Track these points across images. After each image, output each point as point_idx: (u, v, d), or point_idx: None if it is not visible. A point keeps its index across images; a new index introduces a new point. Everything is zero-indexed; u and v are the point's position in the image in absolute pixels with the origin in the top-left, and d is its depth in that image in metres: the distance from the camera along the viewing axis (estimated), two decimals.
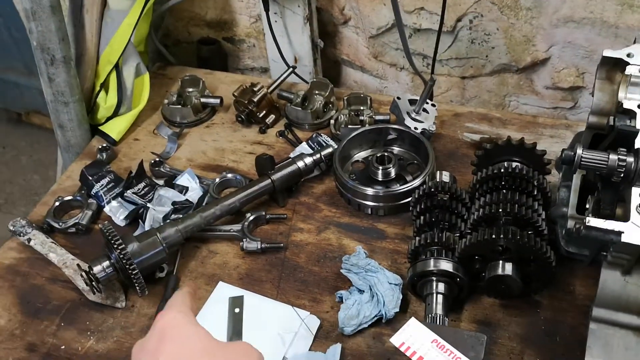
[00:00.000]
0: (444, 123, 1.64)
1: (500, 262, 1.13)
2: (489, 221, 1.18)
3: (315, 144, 1.54)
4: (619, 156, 0.95)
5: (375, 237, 1.36)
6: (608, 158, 0.96)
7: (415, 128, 1.52)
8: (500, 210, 1.15)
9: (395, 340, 0.96)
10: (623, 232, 0.92)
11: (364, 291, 1.19)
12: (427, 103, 1.58)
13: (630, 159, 0.95)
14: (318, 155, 1.45)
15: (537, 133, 1.59)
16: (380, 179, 1.45)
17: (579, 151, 0.97)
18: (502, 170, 1.22)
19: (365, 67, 2.07)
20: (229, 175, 1.50)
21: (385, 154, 1.46)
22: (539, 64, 1.84)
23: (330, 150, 1.47)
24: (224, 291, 1.28)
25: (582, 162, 0.98)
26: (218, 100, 1.72)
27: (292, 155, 1.51)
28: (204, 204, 1.43)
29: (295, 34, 1.82)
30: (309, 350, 1.15)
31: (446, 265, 1.16)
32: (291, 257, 1.34)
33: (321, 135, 1.56)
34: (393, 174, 1.44)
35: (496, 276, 1.11)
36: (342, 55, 2.07)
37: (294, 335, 1.17)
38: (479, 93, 2.01)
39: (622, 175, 0.95)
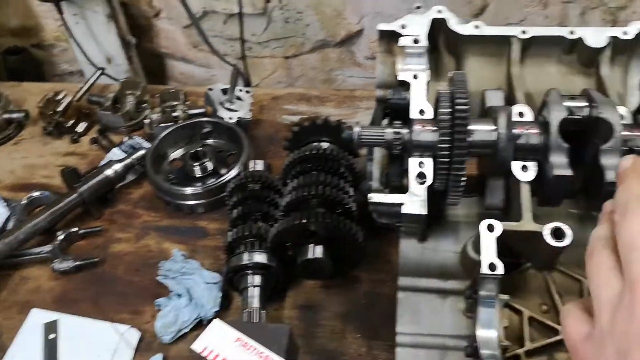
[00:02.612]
0: (263, 108, 1.62)
1: (310, 245, 1.12)
2: (299, 205, 1.17)
3: (127, 147, 1.47)
4: (394, 129, 0.97)
5: (197, 236, 1.32)
6: (384, 133, 0.97)
7: (230, 118, 1.48)
8: (308, 193, 1.15)
9: (197, 346, 0.93)
10: (403, 204, 0.94)
11: (181, 295, 1.15)
12: (241, 90, 1.55)
13: (405, 131, 0.97)
14: (129, 160, 1.39)
15: (354, 107, 1.62)
16: (199, 175, 1.40)
17: (356, 129, 0.98)
18: (308, 152, 1.22)
19: (187, 58, 2.01)
20: (36, 193, 1.40)
21: (199, 149, 1.42)
22: (354, 36, 1.87)
23: (142, 152, 1.40)
24: (38, 318, 1.19)
25: (361, 140, 0.99)
26: (23, 114, 1.59)
27: (102, 162, 1.43)
28: (9, 227, 1.32)
29: (101, 34, 1.72)
30: None
31: (259, 257, 1.14)
32: (110, 270, 1.27)
33: (133, 138, 1.49)
34: (210, 169, 1.40)
35: (307, 260, 1.11)
36: (162, 49, 2.00)
37: (113, 353, 1.12)
38: (304, 71, 2.01)
39: (400, 147, 0.97)
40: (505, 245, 0.97)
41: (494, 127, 0.92)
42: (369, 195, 0.95)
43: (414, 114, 0.99)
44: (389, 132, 0.97)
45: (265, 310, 1.12)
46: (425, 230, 1.06)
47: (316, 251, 1.12)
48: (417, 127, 0.95)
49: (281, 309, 1.19)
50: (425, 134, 0.94)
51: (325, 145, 1.26)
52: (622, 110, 0.96)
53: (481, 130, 0.92)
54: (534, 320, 0.96)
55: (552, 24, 1.77)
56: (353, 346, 1.13)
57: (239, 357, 0.91)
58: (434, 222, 1.07)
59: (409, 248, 1.05)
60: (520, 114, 0.97)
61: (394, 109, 1.00)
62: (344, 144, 1.29)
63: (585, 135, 0.95)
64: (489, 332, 0.88)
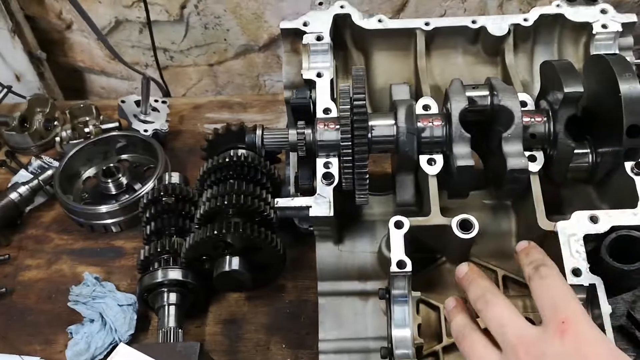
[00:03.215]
0: (183, 118, 1.57)
1: (226, 257, 1.08)
2: (215, 216, 1.13)
3: (36, 168, 1.40)
4: (297, 130, 0.94)
5: (113, 256, 1.27)
6: (287, 134, 0.94)
7: (145, 130, 1.43)
8: (223, 202, 1.10)
9: None
10: (310, 207, 0.91)
11: (94, 320, 1.09)
12: (157, 101, 1.50)
13: (309, 131, 0.93)
14: (35, 181, 1.31)
15: (278, 112, 1.58)
16: (113, 193, 1.34)
17: (258, 132, 0.94)
18: (226, 159, 1.17)
19: (107, 71, 1.94)
20: None
21: (112, 165, 1.36)
22: (277, 39, 1.82)
23: (50, 172, 1.33)
24: None
25: (265, 143, 0.95)
26: None
27: (9, 185, 1.35)
28: None
29: (6, 50, 1.63)
30: None
31: (174, 274, 1.09)
32: (19, 300, 1.20)
33: (42, 158, 1.42)
34: (125, 184, 1.34)
35: (223, 272, 1.07)
36: (78, 62, 1.92)
37: None
38: (231, 78, 1.96)
39: (304, 149, 0.94)
40: (419, 241, 0.95)
41: (393, 122, 0.89)
42: (275, 200, 0.91)
43: (319, 113, 0.96)
44: (292, 134, 0.94)
45: (183, 329, 1.07)
46: (341, 232, 1.02)
47: (233, 263, 1.08)
48: (320, 127, 0.92)
49: (203, 326, 1.14)
50: (328, 133, 0.91)
51: (242, 152, 1.21)
52: (524, 97, 0.95)
53: (381, 126, 0.90)
54: None
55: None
56: (278, 358, 1.09)
57: None
58: (350, 222, 1.04)
59: (325, 251, 1.02)
60: (426, 107, 0.95)
61: (298, 110, 0.97)
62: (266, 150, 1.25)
63: (489, 125, 0.94)
64: (403, 331, 0.86)
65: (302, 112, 0.96)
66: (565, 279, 0.81)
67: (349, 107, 0.87)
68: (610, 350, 0.68)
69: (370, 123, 0.89)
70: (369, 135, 0.89)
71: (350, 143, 0.87)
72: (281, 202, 0.91)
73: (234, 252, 1.08)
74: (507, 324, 0.71)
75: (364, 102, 0.86)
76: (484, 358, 0.73)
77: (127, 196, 1.31)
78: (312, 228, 0.99)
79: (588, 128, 0.94)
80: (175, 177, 1.26)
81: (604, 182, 0.97)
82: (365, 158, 0.87)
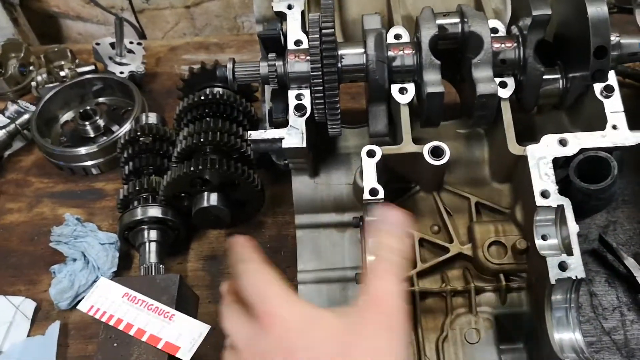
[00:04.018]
0: (160, 60, 1.56)
1: (205, 194, 1.09)
2: (192, 154, 1.13)
3: (12, 113, 1.38)
4: (268, 62, 0.93)
5: (94, 198, 1.27)
6: (258, 67, 0.94)
7: (121, 72, 1.42)
8: (202, 140, 1.10)
9: (83, 305, 0.90)
10: (283, 138, 0.91)
11: (77, 259, 1.11)
12: (132, 43, 1.48)
13: (280, 63, 0.93)
14: (13, 126, 1.31)
15: (255, 51, 1.56)
16: (92, 135, 1.34)
17: (229, 65, 0.94)
18: (201, 98, 1.17)
19: (82, 16, 1.90)
20: None
21: (88, 107, 1.35)
22: None
23: (26, 117, 1.33)
24: None
25: (237, 78, 0.95)
26: None
27: None
28: None
29: None
30: (28, 336, 1.06)
31: (154, 211, 1.10)
32: (1, 243, 1.22)
33: (18, 103, 1.41)
34: (103, 127, 1.34)
35: (202, 209, 1.08)
36: (52, 8, 1.88)
37: (9, 325, 1.07)
38: (209, 20, 1.94)
39: (276, 81, 0.94)
40: (393, 170, 0.97)
41: (363, 51, 0.89)
42: (248, 133, 0.91)
43: (290, 45, 0.95)
44: (263, 66, 0.93)
45: (164, 265, 1.09)
46: (317, 165, 1.03)
47: (211, 199, 1.09)
48: (290, 58, 0.92)
49: (184, 262, 1.16)
50: (298, 64, 0.91)
51: (218, 90, 1.21)
52: (495, 23, 0.95)
53: (350, 54, 0.89)
54: (425, 241, 0.96)
55: None
56: None
57: (126, 312, 0.88)
58: (325, 155, 1.05)
59: (301, 184, 1.03)
60: (397, 36, 0.95)
61: (268, 43, 0.96)
62: (242, 88, 1.24)
63: (461, 52, 0.94)
64: None
65: (272, 44, 0.95)
66: (535, 201, 0.83)
67: (318, 37, 0.86)
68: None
69: (340, 52, 0.89)
70: (339, 64, 0.88)
71: (320, 73, 0.87)
72: (254, 134, 0.92)
73: (212, 189, 1.09)
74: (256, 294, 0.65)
75: (333, 30, 0.85)
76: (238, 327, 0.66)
77: (105, 138, 1.30)
78: (287, 161, 1.00)
79: (559, 54, 0.94)
80: (152, 118, 1.26)
81: (575, 107, 0.98)
82: (335, 87, 0.86)
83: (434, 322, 0.92)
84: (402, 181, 1.00)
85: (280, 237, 1.18)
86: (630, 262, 1.04)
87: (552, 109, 1.01)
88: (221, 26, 1.94)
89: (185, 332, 0.86)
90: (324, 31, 0.85)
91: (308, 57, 0.90)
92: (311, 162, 1.00)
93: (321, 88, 0.88)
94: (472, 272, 0.94)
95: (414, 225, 0.97)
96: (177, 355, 0.84)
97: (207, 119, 1.16)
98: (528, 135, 0.98)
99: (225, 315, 0.68)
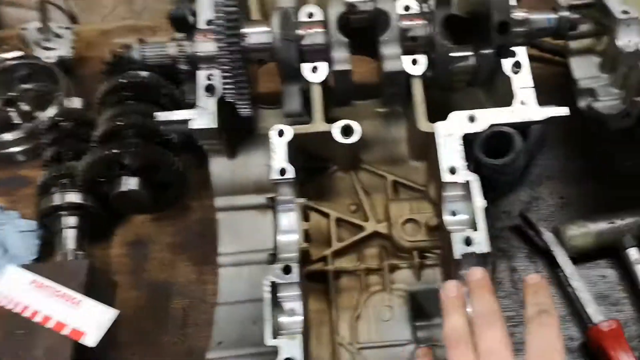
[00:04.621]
0: (90, 45, 1.51)
1: (123, 177, 1.07)
2: (112, 137, 1.11)
3: None
4: (177, 42, 0.92)
5: (17, 185, 1.24)
6: (166, 47, 0.92)
7: (48, 58, 1.38)
8: (123, 123, 1.08)
9: None
10: (190, 119, 0.90)
11: None
12: (61, 27, 1.44)
13: (188, 43, 0.92)
14: None
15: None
16: (17, 122, 1.30)
17: (136, 46, 0.92)
18: (123, 81, 1.14)
19: (16, 1, 1.85)
20: None
21: (14, 94, 1.32)
22: None
23: None
24: None
25: (146, 57, 0.93)
26: None
27: None
28: None
29: None
30: None
31: (72, 197, 1.08)
32: None
33: None
34: (28, 113, 1.30)
35: (120, 193, 1.06)
36: None
37: None
38: (147, 4, 1.90)
39: (186, 62, 0.92)
40: (309, 150, 0.96)
41: (268, 29, 0.88)
42: (155, 114, 0.90)
43: (200, 24, 0.94)
44: (172, 46, 0.92)
45: (85, 251, 1.07)
46: (235, 147, 1.02)
47: (129, 183, 1.07)
48: (198, 38, 0.91)
49: (108, 248, 1.14)
50: (205, 44, 0.90)
51: (141, 72, 1.18)
52: (407, 1, 0.94)
53: (255, 33, 0.88)
54: (342, 220, 0.96)
55: None
56: (183, 274, 1.10)
57: (33, 299, 0.86)
58: (244, 137, 1.04)
59: (219, 166, 1.02)
60: (310, 15, 0.94)
61: (177, 22, 0.95)
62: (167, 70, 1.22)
63: (373, 30, 0.93)
64: (289, 237, 0.87)
65: (181, 24, 0.94)
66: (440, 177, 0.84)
67: (221, 15, 0.85)
68: None
69: (244, 30, 0.88)
70: (243, 43, 0.87)
71: (225, 52, 0.85)
72: (161, 115, 0.91)
73: (130, 173, 1.07)
74: (496, 352, 0.68)
75: (235, 8, 0.84)
76: None
77: (30, 124, 1.27)
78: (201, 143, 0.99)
79: (472, 31, 0.95)
80: (76, 102, 1.23)
81: (490, 84, 0.99)
82: (241, 67, 0.85)
83: (348, 300, 0.92)
84: (320, 160, 0.99)
85: (206, 220, 1.16)
86: (548, 237, 1.06)
87: (468, 86, 1.01)
88: (160, 9, 1.90)
89: (92, 318, 0.84)
90: (226, 9, 0.84)
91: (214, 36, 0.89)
92: (227, 144, 0.99)
93: (228, 67, 0.87)
94: (389, 250, 0.95)
95: (330, 205, 0.97)
96: (82, 341, 0.83)
97: (129, 101, 1.13)
98: (447, 112, 0.99)
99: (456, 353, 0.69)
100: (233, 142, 1.02)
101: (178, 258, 1.12)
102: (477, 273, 0.75)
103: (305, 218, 0.95)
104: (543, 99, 1.20)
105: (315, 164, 0.99)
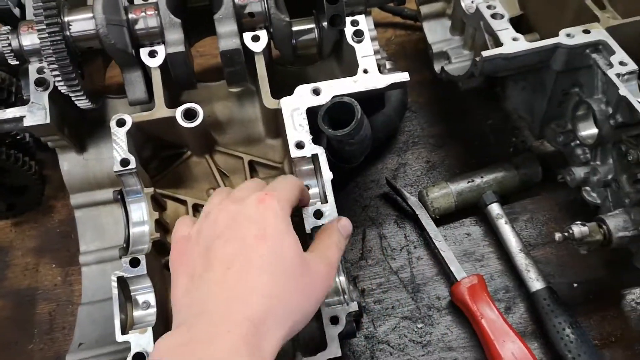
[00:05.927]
0: None
1: None
2: None
3: None
4: (1, 35, 0.86)
5: None
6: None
7: None
8: None
9: None
10: (24, 117, 0.85)
11: None
12: None
13: (14, 36, 0.86)
14: None
15: None
16: None
17: None
18: None
19: None
20: None
21: None
22: None
23: None
24: None
25: None
26: None
27: None
28: None
29: None
30: None
31: None
32: None
33: None
34: None
35: None
36: None
37: None
38: None
39: (14, 56, 0.87)
40: (159, 137, 0.93)
41: (91, 15, 0.84)
42: None
43: (29, 15, 0.89)
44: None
45: None
46: (83, 140, 0.98)
47: None
48: (23, 30, 0.85)
49: None
50: (30, 36, 0.85)
51: None
52: None
53: (79, 20, 0.84)
54: (200, 206, 0.94)
55: None
56: (48, 278, 1.06)
57: None
58: (93, 129, 0.99)
59: (69, 162, 0.97)
60: None
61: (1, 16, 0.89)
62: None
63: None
64: (141, 228, 0.85)
65: (5, 16, 0.88)
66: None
67: (39, 4, 0.80)
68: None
69: (67, 19, 0.83)
70: (67, 32, 0.83)
71: (47, 43, 0.81)
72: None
73: None
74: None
75: None
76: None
77: None
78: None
79: (314, 3, 0.94)
80: None
81: (340, 55, 0.99)
82: (66, 57, 0.81)
83: None
84: (174, 147, 0.97)
85: (70, 220, 1.11)
86: (413, 201, 1.08)
87: (318, 59, 1.01)
88: None
89: None
90: None
91: None
92: (71, 138, 0.94)
93: (54, 59, 0.82)
94: None
95: (187, 192, 0.95)
96: None
97: None
98: None
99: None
100: (81, 136, 0.97)
101: (42, 261, 1.08)
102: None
103: (162, 207, 0.93)
104: (408, 66, 1.23)
105: (169, 152, 0.96)
